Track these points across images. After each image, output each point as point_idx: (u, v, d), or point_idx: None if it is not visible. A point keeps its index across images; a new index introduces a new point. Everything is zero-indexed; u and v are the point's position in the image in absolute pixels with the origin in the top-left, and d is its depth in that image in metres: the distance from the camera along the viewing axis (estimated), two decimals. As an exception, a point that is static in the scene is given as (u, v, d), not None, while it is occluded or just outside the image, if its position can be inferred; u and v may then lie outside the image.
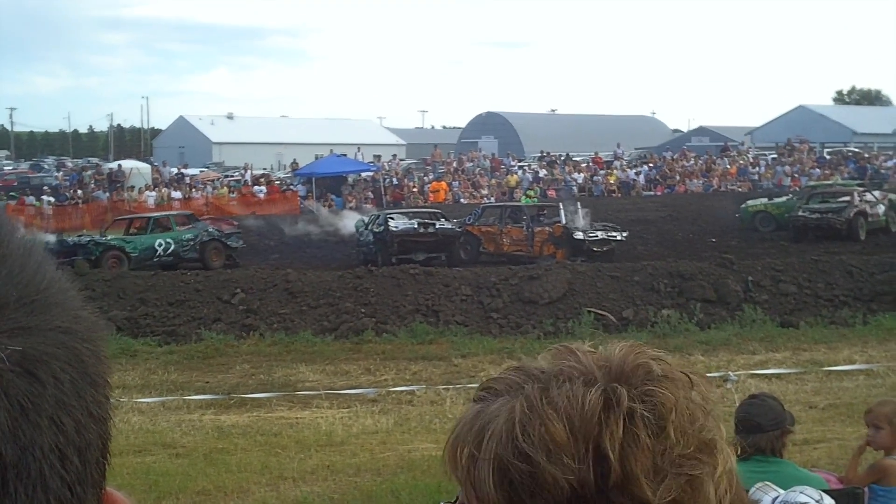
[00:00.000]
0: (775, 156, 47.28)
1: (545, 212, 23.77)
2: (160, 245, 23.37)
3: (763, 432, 4.36)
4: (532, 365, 0.97)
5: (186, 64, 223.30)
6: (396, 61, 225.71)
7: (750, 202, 29.15)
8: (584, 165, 46.44)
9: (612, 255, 20.77)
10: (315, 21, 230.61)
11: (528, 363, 0.97)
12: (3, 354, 0.59)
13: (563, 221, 21.96)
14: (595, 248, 21.03)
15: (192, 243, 23.80)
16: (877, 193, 26.47)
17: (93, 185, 41.68)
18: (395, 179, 42.13)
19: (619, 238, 21.67)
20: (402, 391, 11.31)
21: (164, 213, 28.05)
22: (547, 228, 22.14)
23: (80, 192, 39.93)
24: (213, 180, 46.13)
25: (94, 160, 61.08)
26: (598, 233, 21.54)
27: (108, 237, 23.48)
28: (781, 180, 41.68)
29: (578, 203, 24.60)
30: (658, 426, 0.89)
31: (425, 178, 44.27)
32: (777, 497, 1.72)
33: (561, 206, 23.04)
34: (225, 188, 43.10)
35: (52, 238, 24.11)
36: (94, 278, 16.66)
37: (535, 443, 0.87)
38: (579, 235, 21.25)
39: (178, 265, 22.38)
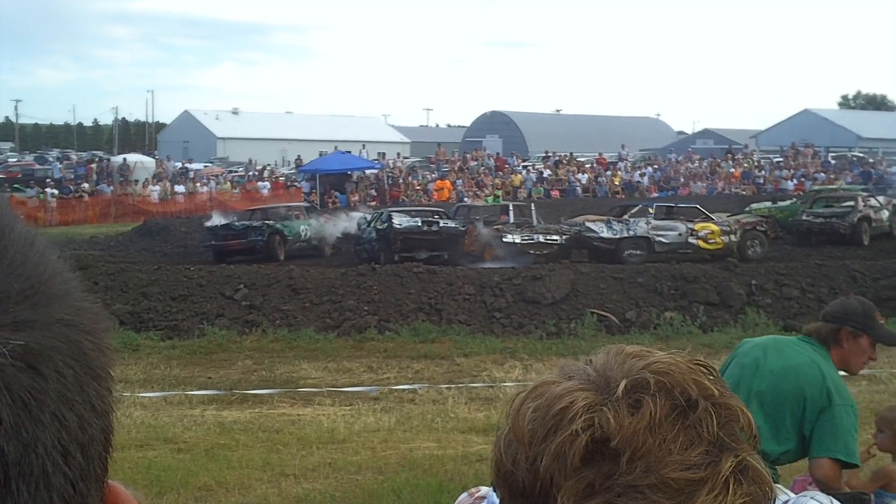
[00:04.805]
0: (780, 159, 47.24)
1: (489, 213, 23.49)
2: (304, 231, 24.64)
3: (823, 321, 4.38)
4: (565, 364, 1.01)
5: (192, 59, 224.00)
6: (401, 59, 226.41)
7: (754, 205, 29.15)
8: (588, 166, 46.41)
9: (554, 257, 20.48)
10: (320, 18, 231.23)
11: (567, 363, 1.01)
12: (6, 349, 0.58)
13: (509, 223, 21.94)
14: (532, 252, 20.96)
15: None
16: (881, 198, 26.45)
17: (95, 178, 41.68)
18: (391, 178, 42.07)
19: (560, 242, 21.60)
20: (404, 389, 11.30)
21: (297, 203, 30.07)
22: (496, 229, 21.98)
23: (84, 185, 39.94)
24: (216, 175, 46.22)
25: (99, 153, 61.12)
26: (538, 236, 21.52)
27: (271, 221, 24.38)
28: (778, 184, 41.60)
29: (532, 205, 24.60)
30: (602, 449, 0.88)
31: (429, 176, 44.27)
32: (787, 501, 1.69)
33: (510, 208, 23.07)
34: (228, 183, 43.14)
35: (218, 222, 24.62)
36: (97, 271, 16.66)
37: (507, 434, 0.97)
38: (509, 239, 21.26)
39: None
